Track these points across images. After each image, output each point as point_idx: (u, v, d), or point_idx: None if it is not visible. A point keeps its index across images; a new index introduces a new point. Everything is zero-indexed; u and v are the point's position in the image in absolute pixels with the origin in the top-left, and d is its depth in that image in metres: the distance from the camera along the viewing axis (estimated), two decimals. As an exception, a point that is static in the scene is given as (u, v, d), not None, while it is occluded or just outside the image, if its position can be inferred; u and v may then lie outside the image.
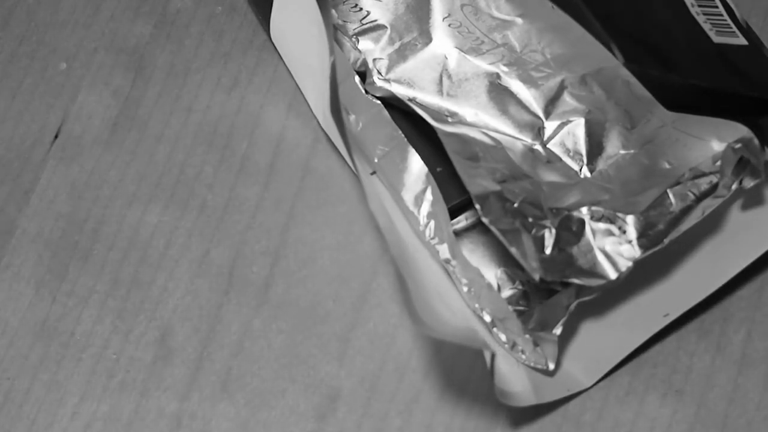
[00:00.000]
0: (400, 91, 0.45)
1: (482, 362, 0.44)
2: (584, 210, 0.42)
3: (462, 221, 0.45)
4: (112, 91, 0.49)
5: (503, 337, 0.43)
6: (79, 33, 0.50)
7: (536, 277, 0.41)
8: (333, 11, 0.46)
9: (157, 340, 0.45)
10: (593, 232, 0.42)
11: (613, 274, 0.41)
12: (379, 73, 0.46)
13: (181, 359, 0.45)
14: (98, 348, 0.45)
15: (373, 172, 0.45)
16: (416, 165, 0.45)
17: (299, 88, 0.48)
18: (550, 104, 0.45)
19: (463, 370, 0.45)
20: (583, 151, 0.44)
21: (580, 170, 0.44)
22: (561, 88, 0.45)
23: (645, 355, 0.44)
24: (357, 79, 0.46)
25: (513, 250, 0.41)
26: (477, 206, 0.41)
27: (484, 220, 0.41)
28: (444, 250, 0.44)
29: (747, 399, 0.44)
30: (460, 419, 0.44)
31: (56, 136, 0.49)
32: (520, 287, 0.44)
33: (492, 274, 0.44)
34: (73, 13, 0.51)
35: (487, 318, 0.44)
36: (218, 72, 0.49)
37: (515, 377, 0.43)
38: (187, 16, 0.51)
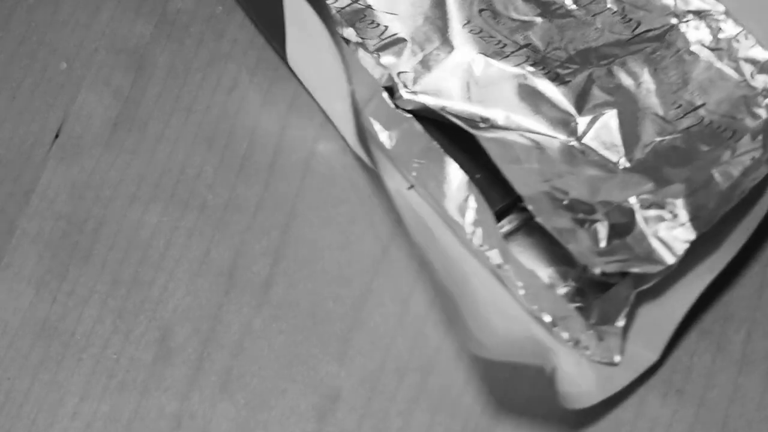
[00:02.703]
0: (429, 102, 0.45)
1: (482, 361, 0.44)
2: (632, 199, 0.42)
3: (506, 225, 0.45)
4: (113, 91, 0.49)
5: (566, 336, 0.43)
6: (79, 33, 0.50)
7: (597, 271, 0.41)
8: (350, 31, 0.46)
9: (157, 340, 0.45)
10: (645, 219, 0.42)
11: (671, 259, 0.41)
12: (405, 86, 0.46)
13: (181, 359, 0.45)
14: (98, 348, 0.45)
15: (411, 186, 0.45)
16: (455, 174, 0.45)
17: (323, 111, 0.48)
18: (581, 99, 0.45)
19: (464, 370, 0.45)
20: (619, 143, 0.44)
21: (619, 161, 0.44)
22: (589, 81, 0.45)
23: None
24: (385, 94, 0.46)
25: (571, 246, 0.41)
26: (529, 207, 0.41)
27: (538, 220, 0.41)
28: (495, 256, 0.44)
29: (747, 399, 0.44)
30: (461, 419, 0.44)
31: (56, 136, 0.49)
32: (573, 284, 0.44)
33: (543, 274, 0.44)
34: (73, 13, 0.51)
35: (548, 318, 0.43)
36: (218, 72, 0.49)
37: (581, 377, 0.42)
38: (188, 16, 0.51)
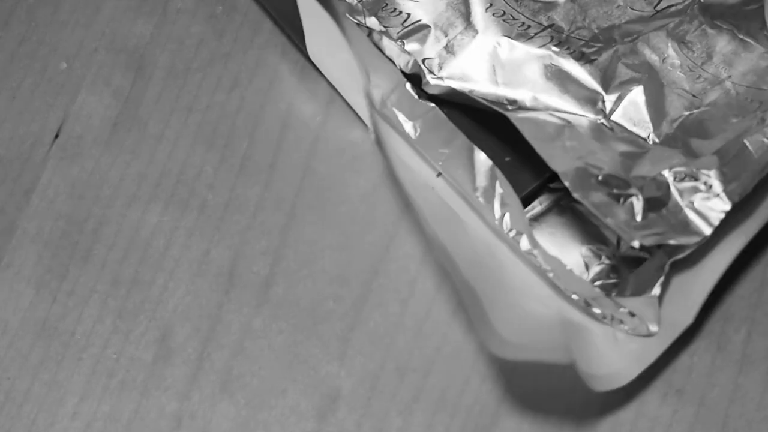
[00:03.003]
0: (456, 86, 0.46)
1: (482, 361, 0.44)
2: (666, 172, 0.43)
3: (537, 206, 0.45)
4: (113, 91, 0.49)
5: (600, 312, 0.43)
6: (79, 33, 0.50)
7: (636, 244, 0.41)
8: (372, 20, 0.46)
9: (157, 340, 0.45)
10: (679, 192, 0.42)
11: (707, 230, 0.42)
12: (431, 72, 0.46)
13: (181, 359, 0.45)
14: (98, 348, 0.45)
15: (439, 174, 0.45)
16: (482, 160, 0.45)
17: (346, 102, 0.48)
18: (607, 77, 0.45)
19: (463, 370, 0.45)
20: (647, 119, 0.45)
21: (648, 137, 0.44)
22: (614, 59, 0.45)
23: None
24: (408, 85, 0.46)
25: (609, 221, 0.41)
26: (566, 183, 0.42)
27: (575, 195, 0.42)
28: (524, 242, 0.44)
29: (747, 399, 0.44)
30: (461, 419, 0.44)
31: (56, 136, 0.49)
32: (607, 261, 0.44)
33: (577, 252, 0.44)
34: (73, 13, 0.51)
35: (580, 297, 0.43)
36: (218, 72, 0.49)
37: (618, 354, 0.43)
38: (188, 16, 0.51)
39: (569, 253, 0.44)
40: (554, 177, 0.45)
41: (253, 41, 0.50)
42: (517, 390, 0.44)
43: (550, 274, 0.43)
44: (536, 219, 0.45)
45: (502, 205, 0.44)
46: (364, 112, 0.47)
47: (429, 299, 0.45)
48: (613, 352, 0.42)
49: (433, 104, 0.46)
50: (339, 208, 0.47)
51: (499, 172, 0.44)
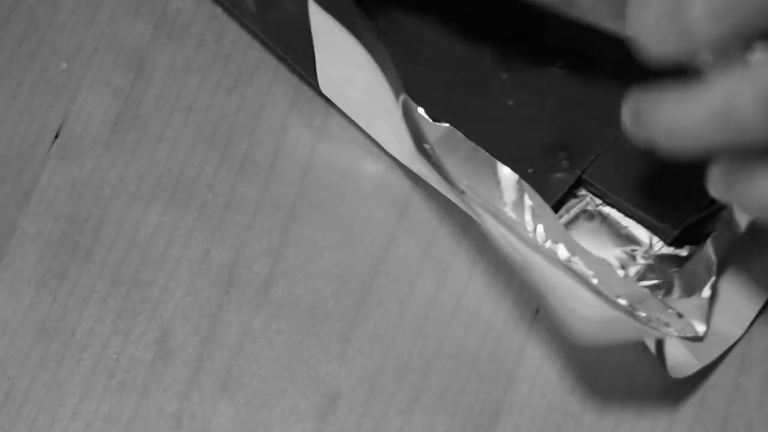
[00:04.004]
0: None
1: (483, 360, 0.44)
2: None
3: (564, 214, 0.46)
4: (112, 91, 0.49)
5: (646, 316, 0.43)
6: (79, 33, 0.50)
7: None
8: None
9: (157, 340, 0.45)
10: None
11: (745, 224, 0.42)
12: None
13: (181, 359, 0.45)
14: (98, 348, 0.45)
15: (463, 192, 0.45)
16: (507, 174, 0.44)
17: (364, 131, 0.48)
18: None
19: (463, 370, 0.45)
20: None
21: None
22: None
23: (645, 355, 0.44)
24: (421, 110, 0.45)
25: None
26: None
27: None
28: (562, 250, 0.44)
29: (747, 399, 0.44)
30: (460, 419, 0.44)
31: (56, 136, 0.49)
32: (643, 261, 0.44)
33: (611, 256, 0.45)
34: (73, 13, 0.51)
35: (625, 302, 0.43)
36: (218, 72, 0.49)
37: (674, 348, 0.43)
38: (188, 16, 0.51)
39: (604, 257, 0.44)
40: (578, 183, 0.45)
41: (254, 41, 0.50)
42: (516, 389, 0.44)
43: (594, 280, 0.43)
44: (565, 227, 0.45)
45: (534, 216, 0.44)
46: (384, 140, 0.47)
47: (429, 299, 0.45)
48: (670, 347, 0.42)
49: (447, 124, 0.45)
50: (339, 208, 0.47)
51: (526, 185, 0.44)
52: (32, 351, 0.45)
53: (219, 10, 0.50)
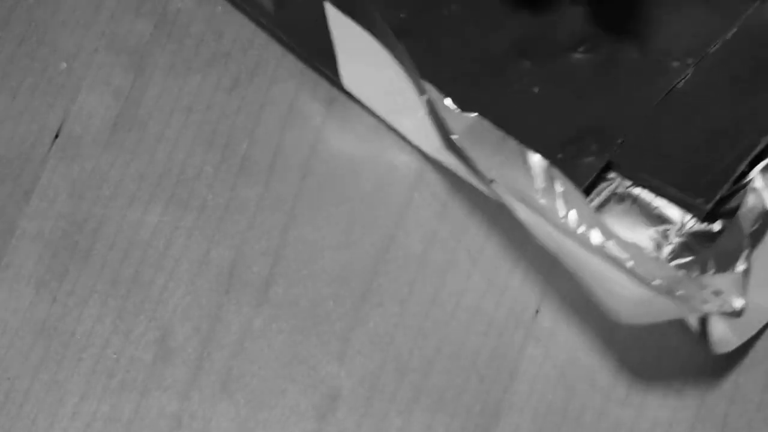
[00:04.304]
0: None
1: (483, 360, 0.44)
2: None
3: (594, 198, 0.46)
4: (112, 91, 0.49)
5: (684, 295, 0.43)
6: (79, 33, 0.50)
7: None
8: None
9: (157, 340, 0.45)
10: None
11: None
12: None
13: (181, 359, 0.45)
14: (98, 348, 0.45)
15: (492, 181, 0.45)
16: (535, 161, 0.44)
17: (387, 125, 0.48)
18: None
19: (463, 370, 0.45)
20: None
21: None
22: None
23: (645, 355, 0.44)
24: (448, 100, 0.45)
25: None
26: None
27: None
28: (595, 235, 0.44)
29: (747, 399, 0.44)
30: (460, 419, 0.44)
31: (56, 136, 0.49)
32: (676, 240, 0.44)
33: (644, 237, 0.45)
34: (73, 13, 0.51)
35: (661, 283, 0.43)
36: (218, 72, 0.49)
37: (716, 325, 0.43)
38: (188, 15, 0.51)
39: (636, 239, 0.44)
40: (607, 166, 0.45)
41: (253, 41, 0.50)
42: (516, 389, 0.44)
43: (629, 263, 0.43)
44: (597, 211, 0.45)
45: (566, 202, 0.44)
46: (412, 135, 0.47)
47: (429, 299, 0.45)
48: (710, 324, 0.43)
49: (474, 114, 0.45)
50: (339, 208, 0.47)
51: (556, 171, 0.44)
52: (32, 351, 0.45)
53: (219, 10, 0.50)
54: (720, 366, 0.44)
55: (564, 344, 0.45)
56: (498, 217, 0.46)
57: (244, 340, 0.45)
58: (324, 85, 0.49)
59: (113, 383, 0.45)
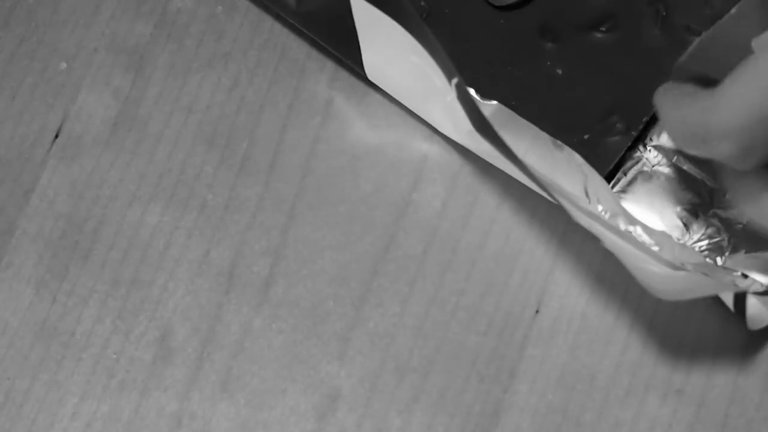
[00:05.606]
0: None
1: (483, 360, 0.44)
2: None
3: (622, 177, 0.46)
4: (112, 91, 0.49)
5: (710, 275, 0.43)
6: (79, 33, 0.50)
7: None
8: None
9: (157, 340, 0.45)
10: None
11: None
12: None
13: (181, 359, 0.45)
14: (98, 348, 0.45)
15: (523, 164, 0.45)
16: (558, 146, 0.44)
17: (413, 114, 0.48)
18: None
19: (463, 370, 0.45)
20: None
21: None
22: None
23: (645, 355, 0.44)
24: (472, 90, 0.45)
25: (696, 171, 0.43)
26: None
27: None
28: (622, 222, 0.44)
29: (747, 399, 0.44)
30: (460, 419, 0.44)
31: (56, 136, 0.49)
32: (706, 219, 0.45)
33: (673, 214, 0.45)
34: (73, 13, 0.51)
35: (690, 267, 0.43)
36: (218, 72, 0.49)
37: (750, 301, 0.43)
38: (188, 16, 0.51)
39: (666, 216, 0.45)
40: (634, 144, 0.45)
41: (253, 41, 0.50)
42: (516, 389, 0.44)
43: (656, 248, 0.43)
44: (624, 190, 0.45)
45: (591, 190, 0.44)
46: (438, 123, 0.47)
47: (429, 299, 0.45)
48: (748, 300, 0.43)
49: (495, 101, 0.45)
50: (339, 208, 0.47)
51: (579, 158, 0.44)
52: (32, 351, 0.45)
53: (219, 10, 0.50)
54: (720, 366, 0.44)
55: (564, 344, 0.45)
56: (498, 217, 0.46)
57: (244, 340, 0.45)
58: (323, 86, 0.49)
59: (113, 383, 0.45)
